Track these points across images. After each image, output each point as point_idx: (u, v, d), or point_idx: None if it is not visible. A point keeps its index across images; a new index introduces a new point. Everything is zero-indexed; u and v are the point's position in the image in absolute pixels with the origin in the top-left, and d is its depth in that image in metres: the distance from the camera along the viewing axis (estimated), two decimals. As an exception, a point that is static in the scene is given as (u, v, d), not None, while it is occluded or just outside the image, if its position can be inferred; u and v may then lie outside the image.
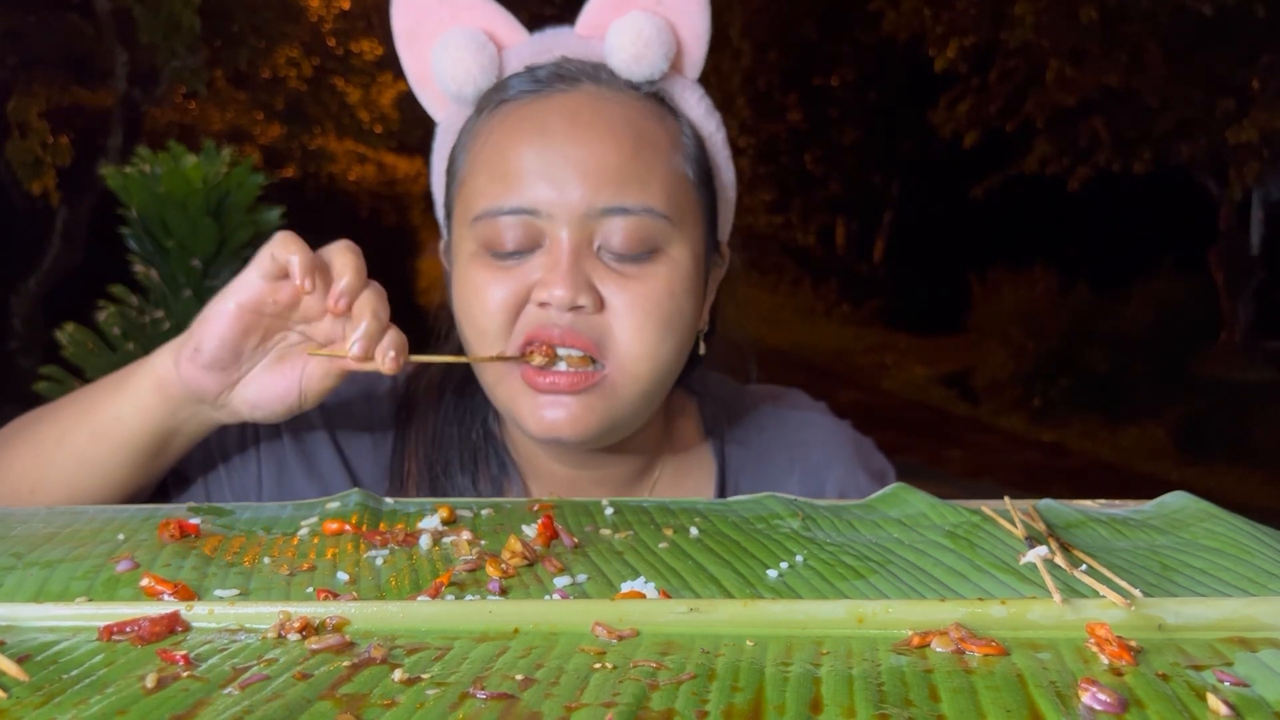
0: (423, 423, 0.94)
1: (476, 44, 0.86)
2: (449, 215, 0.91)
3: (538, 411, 0.82)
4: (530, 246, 0.82)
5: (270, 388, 0.82)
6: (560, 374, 0.81)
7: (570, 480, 0.93)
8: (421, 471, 0.93)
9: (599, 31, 0.86)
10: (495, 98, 0.86)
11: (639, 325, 0.81)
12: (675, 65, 0.87)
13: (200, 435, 0.87)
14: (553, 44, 0.88)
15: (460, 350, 0.91)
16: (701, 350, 0.91)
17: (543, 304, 0.81)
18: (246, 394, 0.82)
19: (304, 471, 0.93)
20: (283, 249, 0.78)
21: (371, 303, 0.79)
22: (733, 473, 0.96)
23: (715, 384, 1.00)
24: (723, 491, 0.95)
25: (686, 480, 0.96)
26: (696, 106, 0.89)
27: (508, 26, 0.89)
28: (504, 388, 0.84)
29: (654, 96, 0.86)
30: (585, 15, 0.88)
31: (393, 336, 0.79)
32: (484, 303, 0.83)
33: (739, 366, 1.02)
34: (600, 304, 0.81)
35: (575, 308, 0.80)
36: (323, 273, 0.79)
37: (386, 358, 0.78)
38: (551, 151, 0.81)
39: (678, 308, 0.83)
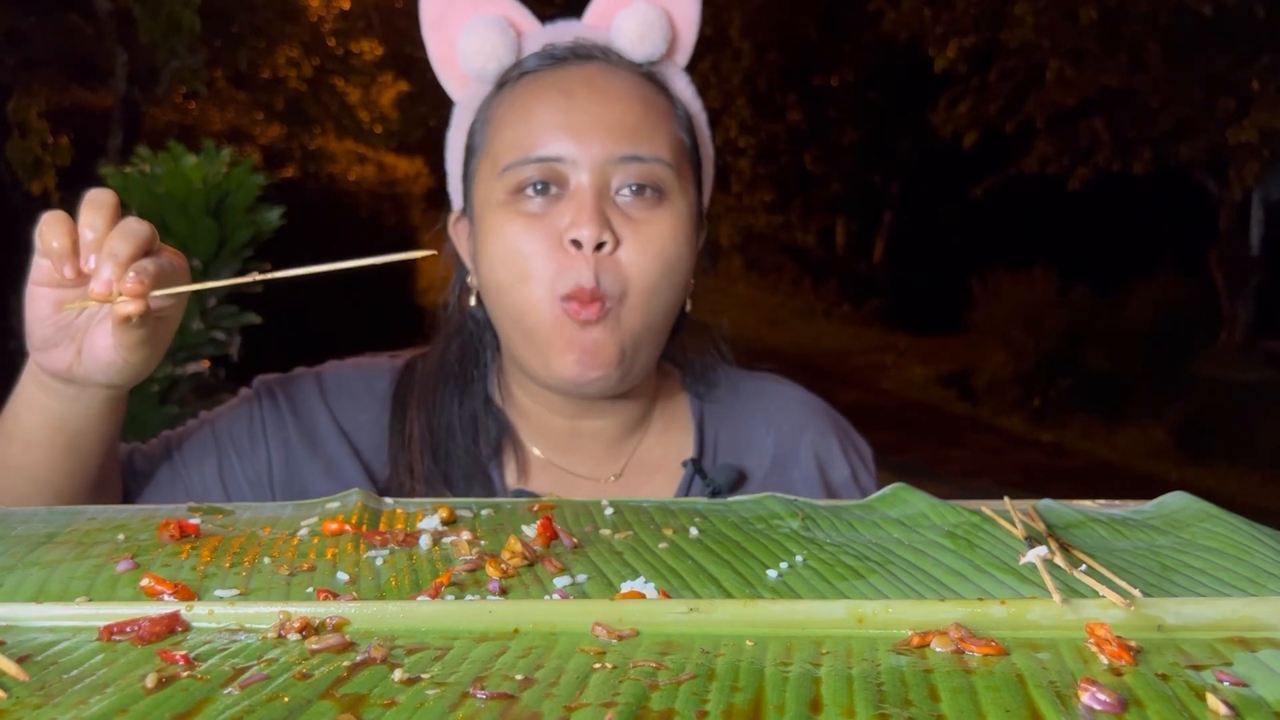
0: (425, 393, 1.00)
1: (500, 27, 0.96)
2: (467, 185, 0.99)
3: (569, 356, 0.90)
4: (554, 191, 0.91)
5: (92, 351, 0.79)
6: (590, 303, 0.89)
7: (568, 432, 1.00)
8: (424, 434, 0.98)
9: (605, 22, 0.98)
10: (514, 72, 0.96)
11: (647, 264, 0.91)
12: (670, 50, 0.99)
13: (103, 418, 0.84)
14: (565, 31, 0.98)
15: (463, 310, 1.00)
16: (688, 307, 1.00)
17: (574, 242, 0.89)
18: (85, 364, 0.80)
19: (308, 450, 0.97)
20: (42, 239, 0.76)
21: (109, 245, 0.75)
22: (711, 430, 1.03)
23: (696, 357, 1.08)
24: (701, 448, 1.02)
25: (672, 438, 1.03)
26: (685, 89, 1.00)
27: (524, 17, 0.99)
28: (546, 327, 0.90)
29: (651, 76, 0.97)
30: (593, 7, 1.00)
31: (138, 266, 0.74)
32: (521, 249, 0.90)
33: (715, 351, 1.10)
34: (617, 243, 0.90)
35: (599, 245, 0.89)
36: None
37: (126, 282, 0.73)
38: (574, 109, 0.91)
39: (678, 252, 0.93)
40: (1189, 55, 8.23)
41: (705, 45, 12.25)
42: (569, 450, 1.00)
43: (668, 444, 1.02)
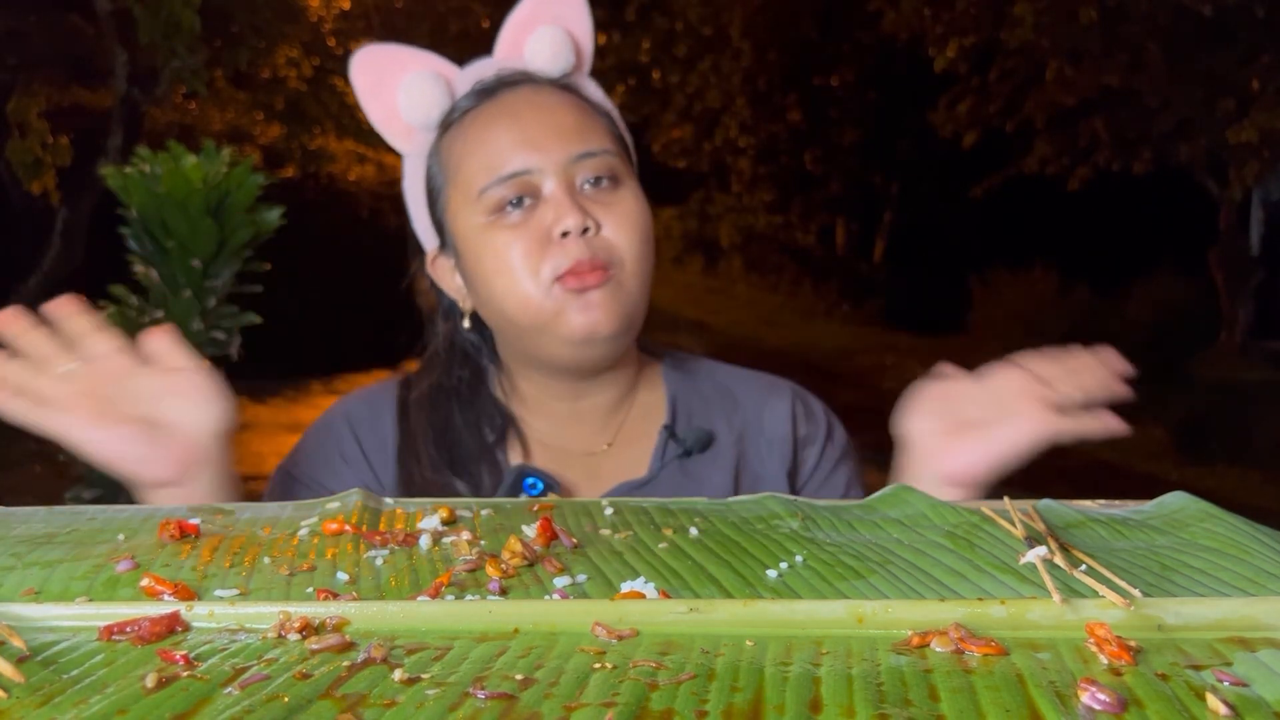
0: (425, 407, 1.08)
1: (432, 78, 1.07)
2: (438, 223, 1.08)
3: (578, 317, 0.99)
4: (529, 200, 1.00)
5: (176, 404, 0.91)
6: (589, 272, 0.99)
7: (568, 413, 1.09)
8: (426, 430, 1.07)
9: (516, 51, 1.09)
10: (454, 114, 1.07)
11: (629, 235, 1.01)
12: (578, 62, 1.10)
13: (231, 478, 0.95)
14: (485, 68, 1.09)
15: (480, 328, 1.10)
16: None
17: (564, 234, 0.98)
18: (192, 417, 0.91)
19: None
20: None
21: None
22: (683, 406, 1.12)
23: (669, 350, 1.18)
24: (674, 417, 1.11)
25: (651, 414, 1.12)
26: (596, 93, 1.11)
27: (446, 66, 1.10)
28: (550, 304, 0.99)
29: (568, 88, 1.08)
30: (501, 42, 1.10)
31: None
32: (512, 254, 1.00)
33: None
34: (599, 226, 1.00)
35: (585, 230, 0.99)
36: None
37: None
38: (525, 125, 1.02)
39: (647, 222, 1.04)
40: (1189, 55, 8.23)
41: (705, 45, 12.25)
42: (567, 428, 1.10)
43: (649, 413, 1.12)
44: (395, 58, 1.10)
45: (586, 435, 1.10)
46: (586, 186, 1.02)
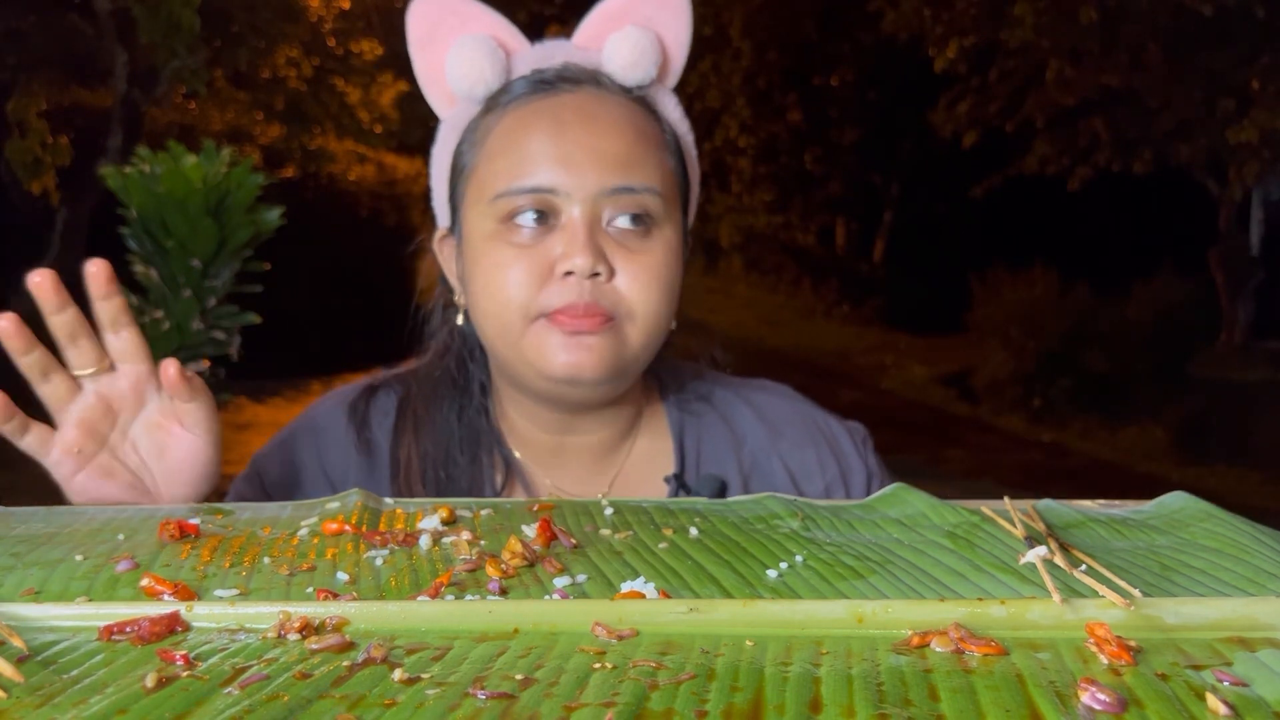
0: (418, 415, 1.01)
1: (489, 49, 0.95)
2: (454, 206, 0.99)
3: (562, 354, 0.90)
4: (545, 222, 0.91)
5: (171, 464, 0.87)
6: (583, 318, 0.90)
7: (555, 447, 1.01)
8: (421, 452, 0.99)
9: (596, 43, 0.97)
10: (503, 98, 0.96)
11: (645, 289, 0.92)
12: (660, 73, 0.98)
13: None
14: (554, 52, 0.97)
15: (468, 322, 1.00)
16: (673, 325, 1.00)
17: (567, 273, 0.89)
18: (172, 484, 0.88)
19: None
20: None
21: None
22: (691, 443, 1.04)
23: (674, 367, 1.08)
24: (682, 461, 1.03)
25: (655, 452, 1.04)
26: (674, 111, 1.00)
27: (512, 36, 0.99)
28: (533, 336, 0.91)
29: (642, 100, 0.97)
30: (583, 29, 0.99)
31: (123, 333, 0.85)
32: (508, 278, 0.91)
33: (708, 354, 1.10)
34: (611, 273, 0.91)
35: (593, 274, 0.89)
36: None
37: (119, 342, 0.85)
38: (565, 139, 0.91)
39: (671, 275, 0.94)
40: (1189, 55, 8.24)
41: (705, 45, 12.25)
42: (558, 465, 1.01)
43: (652, 458, 1.03)
44: (457, 11, 0.97)
45: (578, 475, 1.01)
46: (613, 225, 0.91)
